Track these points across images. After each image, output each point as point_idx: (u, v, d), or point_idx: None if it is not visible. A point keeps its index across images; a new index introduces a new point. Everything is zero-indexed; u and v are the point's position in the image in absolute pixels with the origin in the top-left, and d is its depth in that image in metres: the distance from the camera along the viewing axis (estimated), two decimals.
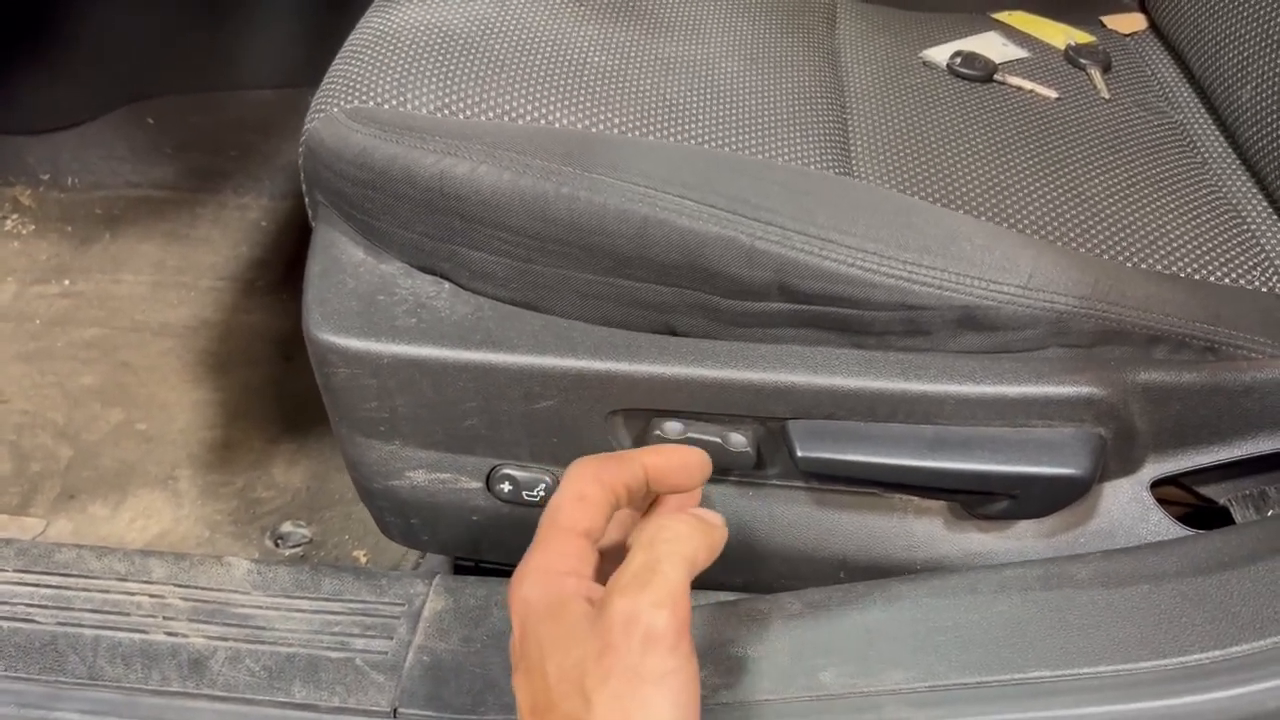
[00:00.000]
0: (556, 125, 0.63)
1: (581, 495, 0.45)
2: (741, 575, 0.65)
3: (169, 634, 0.62)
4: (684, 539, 0.43)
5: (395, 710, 0.58)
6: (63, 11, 1.31)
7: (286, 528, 1.00)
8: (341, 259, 0.63)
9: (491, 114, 0.63)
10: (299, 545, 0.99)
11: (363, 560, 0.97)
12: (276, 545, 0.99)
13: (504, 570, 0.78)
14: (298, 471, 1.06)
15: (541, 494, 0.62)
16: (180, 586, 0.65)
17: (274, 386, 1.14)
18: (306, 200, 0.67)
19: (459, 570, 0.77)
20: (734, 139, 0.67)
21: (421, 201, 0.59)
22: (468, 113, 0.63)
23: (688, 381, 0.57)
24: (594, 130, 0.62)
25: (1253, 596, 0.51)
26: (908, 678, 0.52)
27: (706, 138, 0.66)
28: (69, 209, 1.36)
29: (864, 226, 0.57)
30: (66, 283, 1.27)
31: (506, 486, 0.63)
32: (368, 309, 0.60)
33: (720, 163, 0.60)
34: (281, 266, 1.28)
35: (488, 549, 0.67)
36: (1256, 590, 0.51)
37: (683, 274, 0.57)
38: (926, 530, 0.63)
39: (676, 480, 0.49)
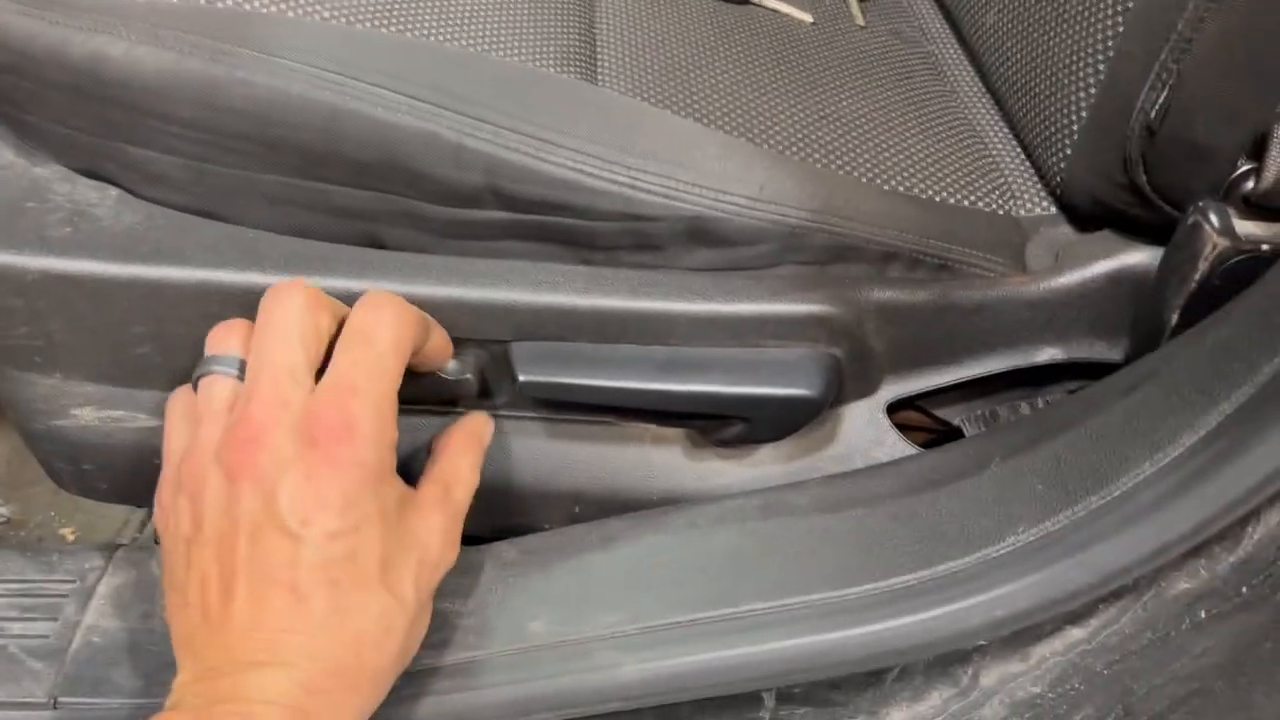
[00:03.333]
0: (245, 7, 0.55)
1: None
2: (469, 518, 0.60)
3: None
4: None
5: (55, 700, 0.50)
6: None
7: None
8: None
9: None
10: None
11: (70, 539, 0.86)
12: None
13: None
14: None
15: None
16: None
17: None
18: None
19: None
20: (463, 35, 0.61)
21: (73, 88, 0.50)
22: None
23: None
24: (286, 14, 0.55)
25: (959, 513, 0.49)
26: (619, 620, 0.48)
27: (429, 31, 0.60)
28: None
29: (587, 128, 0.52)
30: None
31: None
32: (10, 218, 0.51)
33: (425, 51, 0.54)
34: None
35: None
36: (964, 507, 0.50)
37: (382, 175, 0.50)
38: (664, 460, 0.59)
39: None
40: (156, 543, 0.70)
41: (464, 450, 0.49)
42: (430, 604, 0.46)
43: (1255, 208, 0.51)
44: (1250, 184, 0.50)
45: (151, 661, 0.51)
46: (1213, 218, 0.51)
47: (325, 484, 0.41)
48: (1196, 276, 0.51)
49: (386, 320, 0.45)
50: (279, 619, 0.40)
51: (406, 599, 0.43)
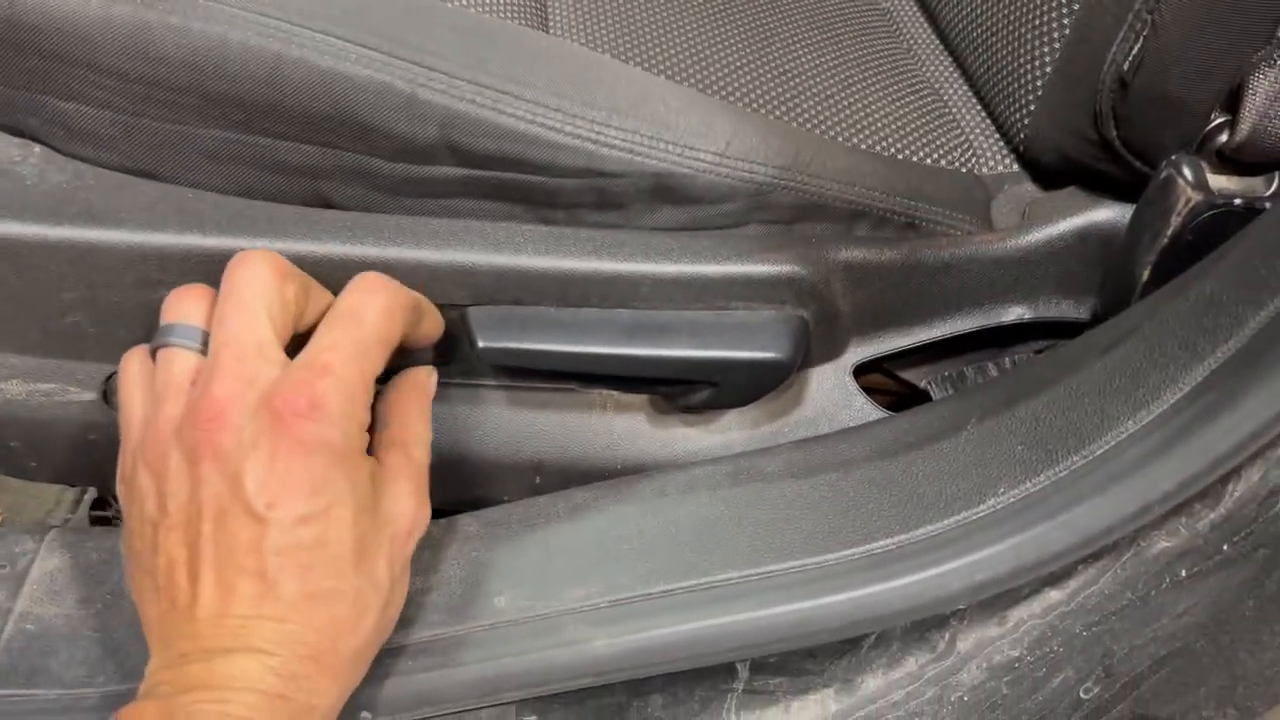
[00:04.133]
0: None
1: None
2: None
3: None
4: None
5: None
6: None
7: None
8: None
9: None
10: None
11: None
12: None
13: None
14: None
15: None
16: None
17: None
18: None
19: (98, 523, 0.65)
20: None
21: None
22: None
23: (345, 262, 0.48)
24: None
25: (936, 476, 0.48)
26: (588, 594, 0.46)
27: None
28: None
29: (546, 79, 0.50)
30: None
31: None
32: None
33: None
34: None
35: (113, 474, 0.55)
36: (940, 469, 0.48)
37: (331, 129, 0.47)
38: (628, 427, 0.57)
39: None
40: (94, 523, 0.67)
41: (413, 406, 0.47)
42: (406, 575, 0.44)
43: (1228, 161, 0.50)
44: (1224, 137, 0.49)
45: (92, 649, 0.48)
46: (1186, 172, 0.50)
47: (291, 465, 0.39)
48: (1169, 231, 0.50)
49: (378, 305, 0.43)
50: (247, 605, 0.38)
51: (379, 578, 0.41)
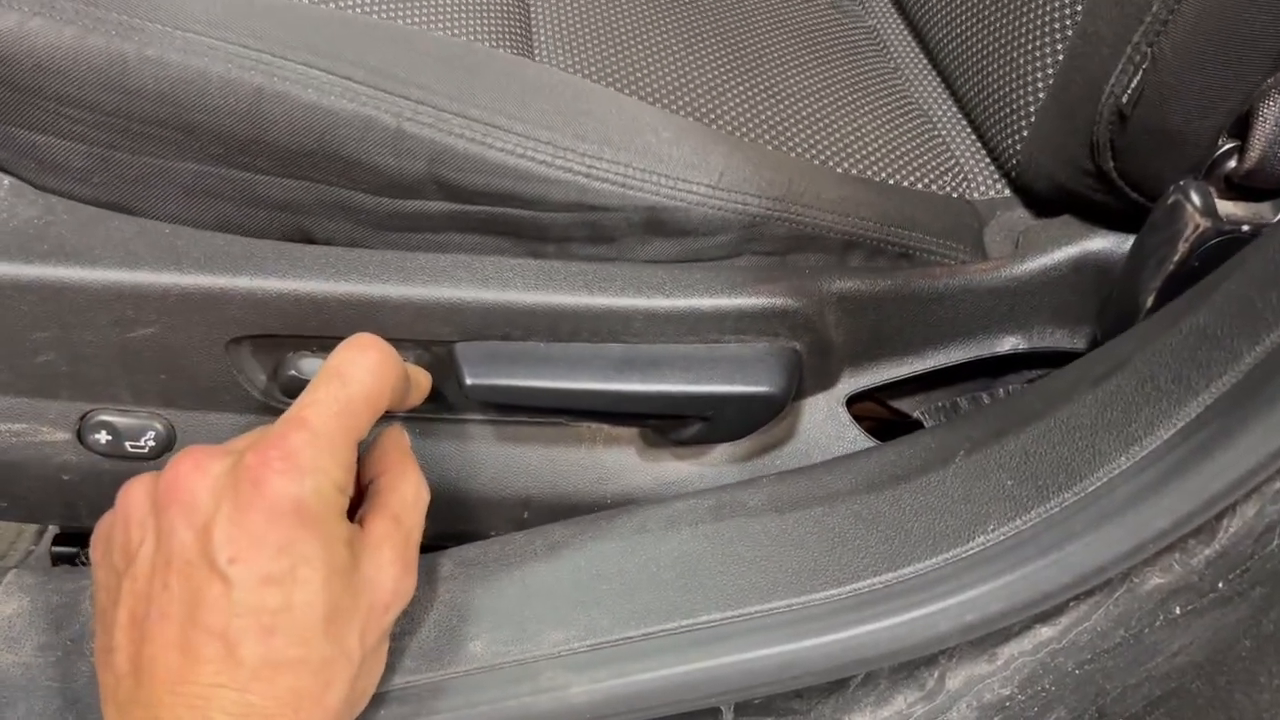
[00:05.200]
0: None
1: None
2: None
3: None
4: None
5: None
6: None
7: None
8: None
9: None
10: None
11: None
12: None
13: None
14: None
15: (150, 443, 0.50)
16: None
17: None
18: None
19: (61, 561, 0.63)
20: (395, 9, 0.57)
21: None
22: None
23: (328, 300, 0.47)
24: None
25: (925, 511, 0.47)
26: (567, 637, 0.45)
27: (359, 4, 0.55)
28: None
29: (536, 112, 0.48)
30: None
31: (104, 437, 0.50)
32: None
33: (358, 27, 0.50)
34: None
35: (88, 514, 0.54)
36: (928, 504, 0.47)
37: (314, 163, 0.46)
38: (617, 461, 0.56)
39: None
40: (56, 561, 0.65)
41: (404, 470, 0.45)
42: (383, 647, 0.43)
43: (1236, 187, 0.49)
44: (1233, 163, 0.48)
45: (51, 701, 0.46)
46: (1194, 197, 0.49)
47: (257, 519, 0.37)
48: (1175, 258, 0.50)
49: (366, 364, 0.42)
50: (208, 671, 0.36)
51: (351, 648, 0.39)
